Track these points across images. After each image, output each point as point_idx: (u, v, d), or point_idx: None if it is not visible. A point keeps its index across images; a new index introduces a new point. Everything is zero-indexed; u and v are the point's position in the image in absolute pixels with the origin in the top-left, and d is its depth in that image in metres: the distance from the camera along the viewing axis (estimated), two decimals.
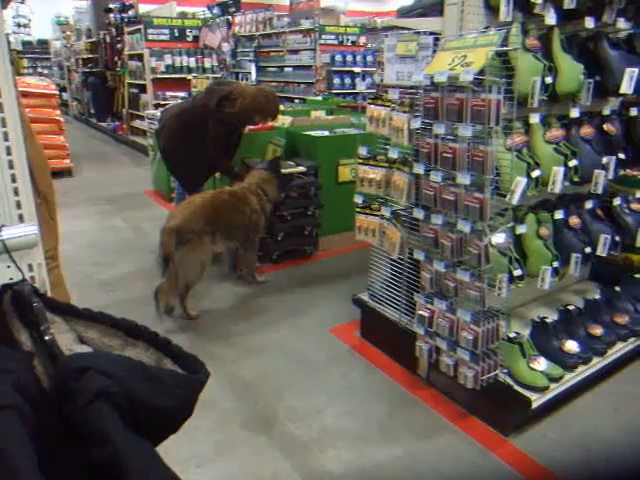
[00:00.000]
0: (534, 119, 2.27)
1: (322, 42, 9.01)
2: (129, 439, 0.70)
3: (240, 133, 4.01)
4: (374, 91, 2.59)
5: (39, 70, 16.78)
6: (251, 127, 4.30)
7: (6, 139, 1.02)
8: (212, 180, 4.41)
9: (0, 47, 0.98)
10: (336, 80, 8.92)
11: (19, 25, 15.62)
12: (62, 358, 0.79)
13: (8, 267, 0.99)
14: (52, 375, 0.79)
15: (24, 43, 16.52)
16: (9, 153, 1.03)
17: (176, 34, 8.31)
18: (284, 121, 4.83)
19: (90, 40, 11.65)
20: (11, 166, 1.03)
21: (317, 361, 2.89)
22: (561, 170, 2.22)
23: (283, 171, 3.94)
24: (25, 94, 6.31)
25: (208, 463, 2.17)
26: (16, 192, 1.04)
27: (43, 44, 16.85)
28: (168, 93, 8.00)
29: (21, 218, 1.05)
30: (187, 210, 3.27)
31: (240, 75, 11.10)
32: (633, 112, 2.60)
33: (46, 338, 0.82)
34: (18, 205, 1.05)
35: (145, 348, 0.87)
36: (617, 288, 2.87)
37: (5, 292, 0.89)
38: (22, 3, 13.75)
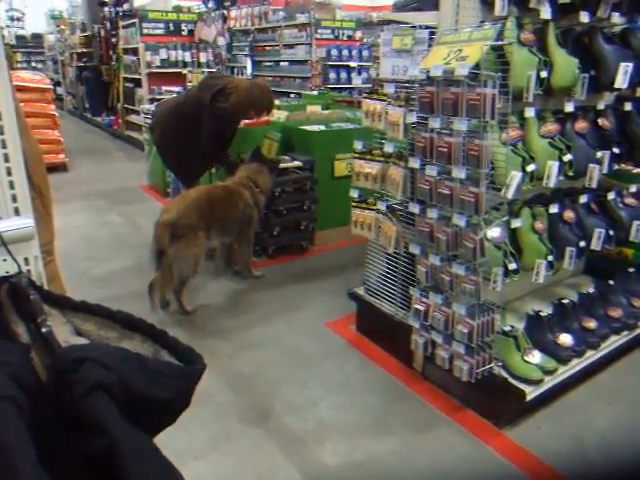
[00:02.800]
0: (529, 113, 2.27)
1: (318, 36, 8.99)
2: (127, 430, 0.70)
3: (235, 127, 4.00)
4: (370, 85, 2.58)
5: (33, 64, 16.65)
6: (247, 122, 4.30)
7: (1, 132, 1.02)
8: (208, 174, 4.41)
9: None
10: (332, 75, 8.90)
11: (13, 19, 15.52)
12: (59, 350, 0.80)
13: (4, 260, 0.99)
14: (49, 367, 0.80)
15: (18, 37, 16.40)
16: (4, 146, 1.03)
17: (171, 28, 8.25)
18: (280, 116, 4.82)
19: (84, 34, 11.56)
20: (6, 159, 1.03)
21: (313, 355, 2.90)
22: (556, 164, 2.23)
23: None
24: (19, 88, 6.27)
25: (205, 456, 2.18)
26: (12, 185, 1.04)
27: (37, 38, 16.70)
28: (163, 87, 7.96)
29: (17, 211, 1.05)
30: (181, 204, 3.26)
31: (236, 69, 11.07)
32: (627, 107, 2.61)
33: (43, 330, 0.82)
34: (14, 199, 1.05)
35: (142, 340, 0.88)
36: (611, 282, 2.88)
37: (2, 285, 0.90)
38: None
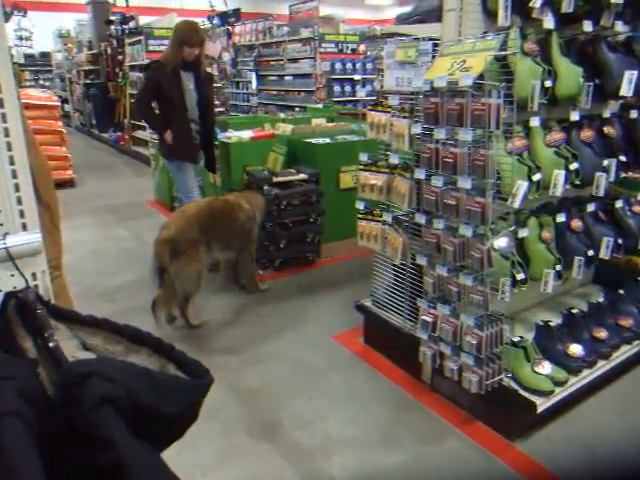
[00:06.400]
0: (534, 123, 2.27)
1: (322, 50, 9.06)
2: (133, 444, 0.70)
3: (204, 82, 3.99)
4: (374, 98, 2.60)
5: (41, 82, 16.84)
6: (252, 135, 4.32)
7: (9, 149, 1.03)
8: (213, 188, 4.43)
9: (3, 58, 0.99)
10: (336, 88, 8.96)
11: (21, 38, 15.71)
12: (66, 364, 0.79)
13: (12, 276, 1.00)
14: (56, 382, 0.79)
15: (26, 56, 16.61)
16: (12, 163, 1.03)
17: None
18: (285, 129, 4.85)
19: (91, 52, 11.73)
20: (14, 175, 1.04)
21: (320, 368, 2.88)
22: (562, 173, 2.22)
23: (281, 179, 4.02)
24: (27, 106, 6.35)
25: (213, 471, 2.16)
26: (19, 201, 1.05)
27: (45, 56, 16.93)
28: None
29: (24, 227, 1.06)
30: (181, 220, 3.23)
31: (240, 84, 11.16)
32: (633, 115, 2.60)
33: (50, 345, 0.82)
34: (21, 214, 1.06)
35: (148, 354, 0.87)
36: (621, 291, 2.86)
37: (9, 299, 0.90)
38: (24, 16, 13.86)
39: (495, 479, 2.13)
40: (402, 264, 2.63)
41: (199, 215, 3.28)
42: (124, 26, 9.69)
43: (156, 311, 3.13)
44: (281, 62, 9.98)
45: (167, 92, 3.80)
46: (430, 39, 2.34)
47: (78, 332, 0.90)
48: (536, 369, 2.32)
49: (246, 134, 4.56)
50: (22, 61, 16.11)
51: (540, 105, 2.16)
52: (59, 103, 7.68)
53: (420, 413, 2.49)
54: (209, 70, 4.40)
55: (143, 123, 4.39)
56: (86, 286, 3.86)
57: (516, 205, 2.09)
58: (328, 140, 4.52)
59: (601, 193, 2.42)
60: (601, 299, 2.82)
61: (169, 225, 3.22)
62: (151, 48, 8.14)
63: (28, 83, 15.96)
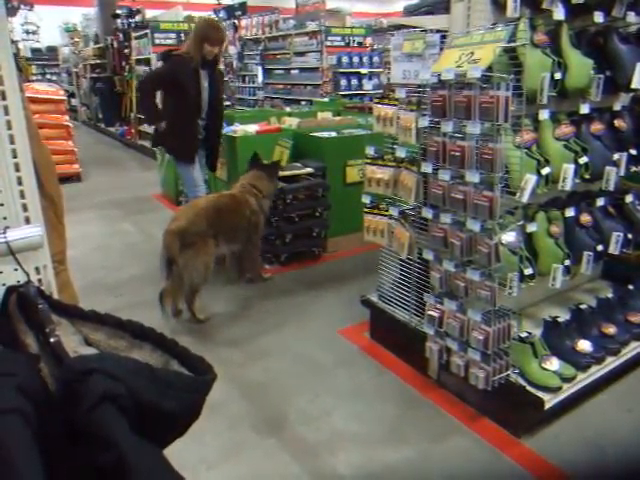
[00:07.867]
0: (543, 116, 2.24)
1: (328, 44, 9.02)
2: (135, 442, 0.68)
3: (217, 80, 3.93)
4: (381, 91, 2.56)
5: (48, 76, 16.91)
6: (259, 129, 4.30)
7: (12, 142, 1.02)
8: (219, 183, 4.42)
9: (5, 50, 0.98)
10: (343, 81, 8.91)
11: (28, 32, 15.75)
12: (68, 360, 0.78)
13: (15, 270, 0.99)
14: (57, 378, 0.78)
15: (33, 50, 16.66)
16: (15, 156, 1.02)
17: (183, 38, 8.33)
18: (291, 123, 4.83)
19: (98, 46, 11.75)
20: (17, 169, 1.03)
21: (326, 363, 2.87)
22: (571, 167, 2.19)
23: (287, 173, 4.00)
24: (34, 100, 6.36)
25: (217, 466, 2.16)
26: (22, 195, 1.04)
27: (52, 51, 16.99)
28: None
29: (27, 220, 1.05)
30: (190, 212, 3.27)
31: (247, 77, 11.13)
32: None
33: (51, 340, 0.81)
34: (24, 208, 1.05)
35: (152, 350, 0.86)
36: (630, 286, 2.82)
37: (11, 294, 0.89)
38: (31, 10, 13.88)
39: (502, 476, 2.12)
40: (409, 259, 2.61)
41: (208, 209, 3.31)
42: (130, 20, 9.69)
43: (163, 303, 3.14)
44: (287, 56, 9.95)
45: (187, 90, 3.70)
46: (438, 31, 2.31)
47: (80, 327, 0.89)
48: (544, 365, 2.30)
49: (252, 128, 4.55)
50: (29, 55, 16.15)
51: (549, 98, 2.13)
52: (66, 97, 7.69)
53: (426, 409, 2.48)
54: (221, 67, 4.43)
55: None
56: (91, 280, 3.86)
57: (524, 199, 2.06)
58: (334, 134, 4.49)
59: (611, 187, 2.38)
60: (610, 295, 2.79)
61: (179, 217, 3.25)
62: (157, 42, 8.14)
63: (35, 77, 15.99)
